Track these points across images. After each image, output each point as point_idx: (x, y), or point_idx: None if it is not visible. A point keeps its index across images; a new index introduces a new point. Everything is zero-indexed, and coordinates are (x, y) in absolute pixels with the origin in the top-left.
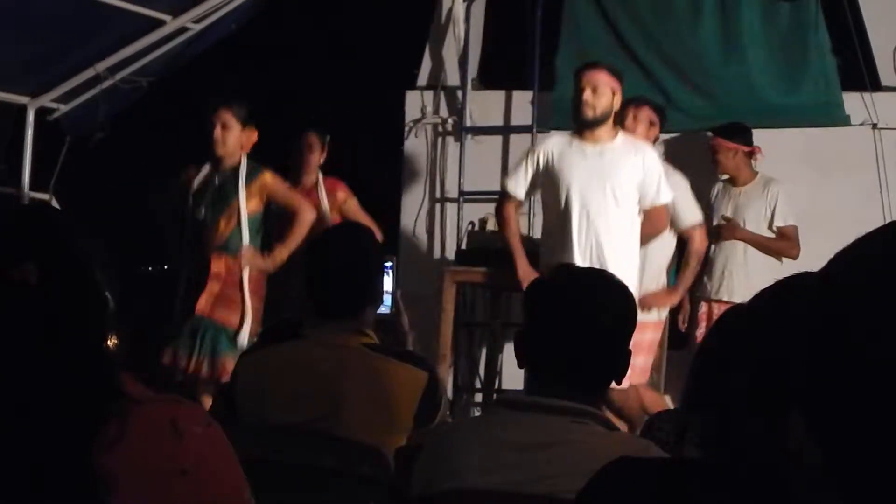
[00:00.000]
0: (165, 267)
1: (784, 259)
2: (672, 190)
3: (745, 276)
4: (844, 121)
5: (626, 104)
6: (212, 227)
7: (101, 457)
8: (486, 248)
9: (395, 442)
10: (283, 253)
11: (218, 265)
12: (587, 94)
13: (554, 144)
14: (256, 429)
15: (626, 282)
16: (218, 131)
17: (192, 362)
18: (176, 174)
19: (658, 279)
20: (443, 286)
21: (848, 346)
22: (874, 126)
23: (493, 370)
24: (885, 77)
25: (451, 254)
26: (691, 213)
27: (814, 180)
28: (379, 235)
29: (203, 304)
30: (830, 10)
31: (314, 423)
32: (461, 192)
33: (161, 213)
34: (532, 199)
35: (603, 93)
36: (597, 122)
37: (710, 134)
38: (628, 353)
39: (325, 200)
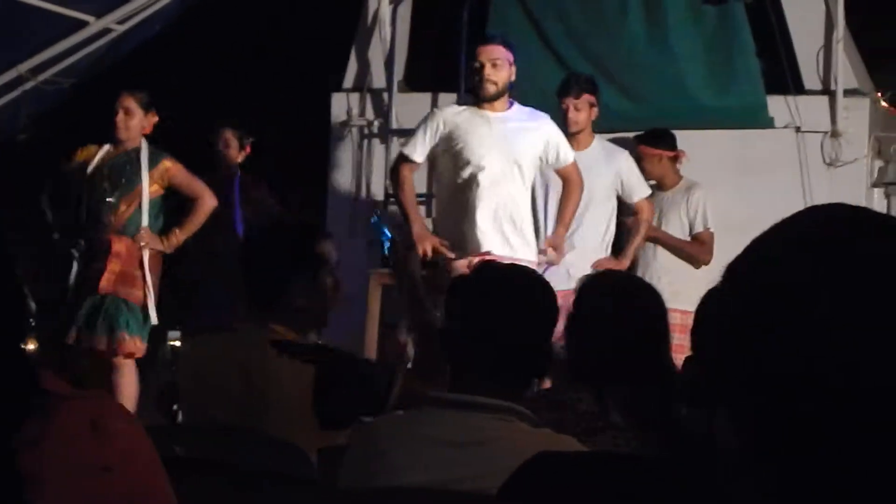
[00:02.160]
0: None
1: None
2: (619, 166)
3: (650, 276)
4: (768, 123)
5: (562, 96)
6: (113, 209)
7: (23, 455)
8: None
9: (312, 439)
10: (180, 236)
11: (118, 245)
12: (488, 70)
13: (455, 112)
14: (174, 426)
15: (531, 245)
16: (121, 116)
17: (93, 339)
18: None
19: (598, 254)
20: (368, 288)
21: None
22: (797, 129)
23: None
24: (809, 80)
25: (376, 256)
26: (639, 188)
27: (737, 182)
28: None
29: (105, 282)
30: (755, 14)
31: (234, 421)
32: (387, 195)
33: (52, 209)
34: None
35: (502, 66)
36: (499, 96)
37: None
38: (551, 349)
39: (238, 197)
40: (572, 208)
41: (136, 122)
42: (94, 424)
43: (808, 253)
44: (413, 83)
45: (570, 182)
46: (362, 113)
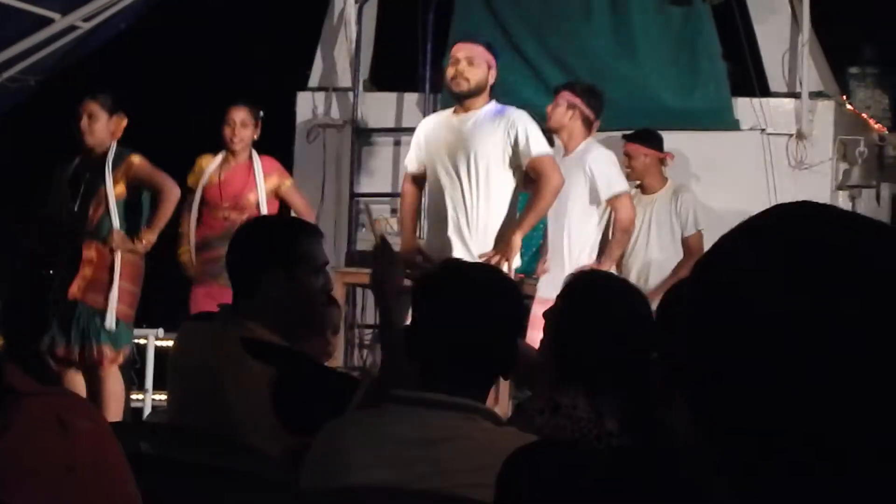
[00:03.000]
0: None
1: None
2: (593, 162)
3: (639, 273)
4: (734, 125)
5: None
6: (82, 215)
7: None
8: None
9: (275, 441)
10: (151, 234)
11: (89, 251)
12: (462, 66)
13: (431, 120)
14: (141, 422)
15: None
16: (84, 121)
17: (65, 349)
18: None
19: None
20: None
21: (707, 334)
22: (763, 131)
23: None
24: (774, 83)
25: (341, 255)
26: (614, 184)
27: (703, 183)
28: (312, 217)
29: (75, 289)
30: (721, 16)
31: (197, 419)
32: (352, 194)
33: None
34: None
35: (478, 65)
36: (470, 95)
37: (622, 139)
38: (515, 347)
39: (263, 182)
40: (537, 209)
41: (100, 125)
42: (60, 422)
43: (764, 246)
44: (378, 82)
45: (539, 178)
46: (328, 112)
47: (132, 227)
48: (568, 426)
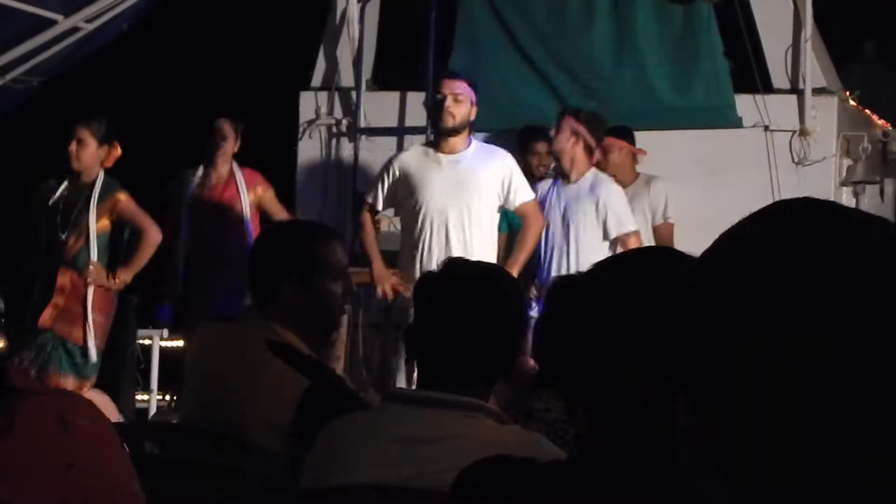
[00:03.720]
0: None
1: None
2: (608, 198)
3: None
4: (736, 122)
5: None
6: (62, 242)
7: None
8: (379, 249)
9: (284, 441)
10: (127, 274)
11: (63, 279)
12: (448, 102)
13: (409, 156)
14: (146, 422)
15: None
16: (73, 147)
17: (21, 367)
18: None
19: None
20: None
21: (729, 332)
22: (766, 128)
23: (387, 372)
24: (777, 79)
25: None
26: (625, 222)
27: (706, 182)
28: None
29: (46, 317)
30: (723, 13)
31: (207, 419)
32: (356, 194)
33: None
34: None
35: (463, 102)
36: (455, 131)
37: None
38: (518, 346)
39: (245, 192)
40: (527, 248)
41: (88, 153)
42: (61, 420)
43: (767, 243)
44: (381, 82)
45: (526, 221)
46: (330, 111)
47: (110, 258)
48: (542, 430)
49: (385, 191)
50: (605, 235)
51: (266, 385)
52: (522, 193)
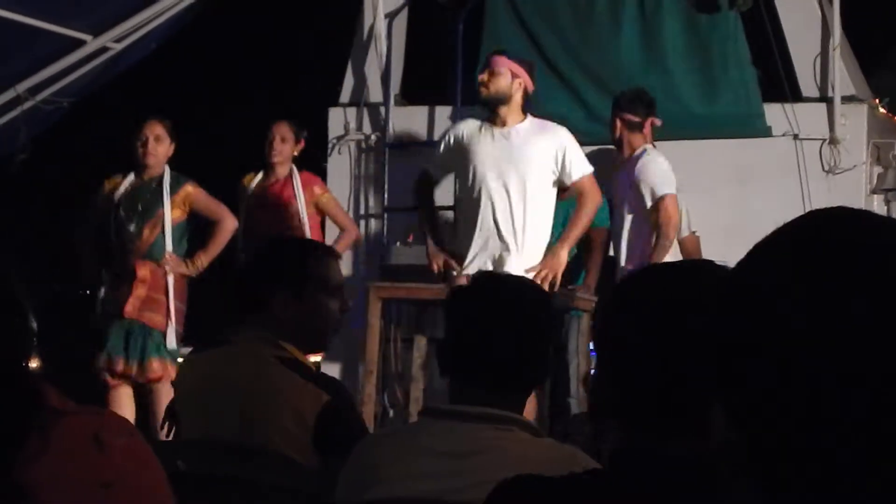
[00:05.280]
0: (81, 291)
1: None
2: (641, 169)
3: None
4: (766, 131)
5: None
6: (136, 235)
7: (23, 470)
8: (410, 263)
9: (308, 456)
10: (204, 260)
11: (143, 270)
12: (483, 76)
13: (464, 127)
14: (179, 441)
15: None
16: (152, 143)
17: (124, 364)
18: (95, 191)
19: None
20: (368, 302)
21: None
22: (795, 137)
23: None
24: (806, 88)
25: (374, 270)
26: (658, 186)
27: (736, 191)
28: (355, 234)
29: (130, 308)
30: (751, 21)
31: (232, 436)
32: (384, 208)
33: (82, 241)
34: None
35: (500, 73)
36: (493, 101)
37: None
38: (549, 358)
39: (301, 194)
40: (581, 223)
41: (163, 148)
42: (96, 439)
43: (801, 252)
44: (409, 97)
45: (582, 196)
46: (359, 127)
47: (187, 248)
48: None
49: (440, 158)
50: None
51: (287, 399)
52: (578, 167)
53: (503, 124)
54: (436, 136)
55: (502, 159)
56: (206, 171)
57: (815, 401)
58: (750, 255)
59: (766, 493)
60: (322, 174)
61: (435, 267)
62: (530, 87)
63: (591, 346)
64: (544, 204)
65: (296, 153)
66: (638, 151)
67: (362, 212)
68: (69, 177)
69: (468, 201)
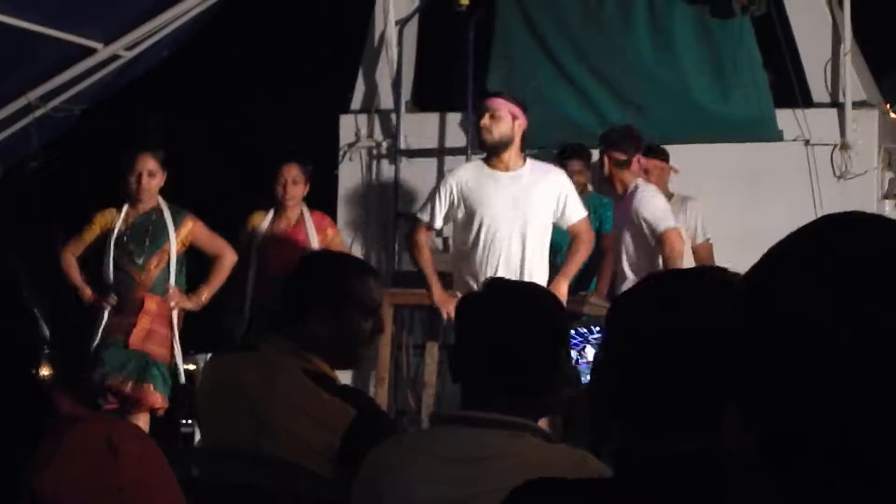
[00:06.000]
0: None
1: None
2: (638, 204)
3: None
4: (777, 136)
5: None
6: (142, 268)
7: (37, 476)
8: (422, 270)
9: (329, 467)
10: (206, 294)
11: (150, 303)
12: (485, 120)
13: (467, 173)
14: (193, 448)
15: None
16: (145, 178)
17: (120, 382)
18: (88, 220)
19: None
20: None
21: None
22: (807, 142)
23: (431, 392)
24: (817, 93)
25: (386, 276)
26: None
27: (747, 196)
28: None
29: (136, 339)
30: (762, 26)
31: (247, 443)
32: (397, 215)
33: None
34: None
35: (501, 118)
36: (497, 146)
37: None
38: (563, 363)
39: (315, 236)
40: (577, 261)
41: (156, 182)
42: (109, 445)
43: (815, 257)
44: (420, 103)
45: (577, 238)
46: (371, 134)
47: (187, 280)
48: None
49: (442, 208)
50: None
51: (313, 412)
52: (576, 212)
53: (506, 168)
54: (448, 143)
55: (510, 205)
56: (214, 177)
57: (843, 402)
58: (766, 261)
59: (783, 493)
60: (334, 181)
61: (445, 314)
62: (525, 127)
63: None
64: (545, 244)
65: (305, 193)
66: (630, 188)
67: (374, 218)
68: (81, 186)
69: (470, 246)
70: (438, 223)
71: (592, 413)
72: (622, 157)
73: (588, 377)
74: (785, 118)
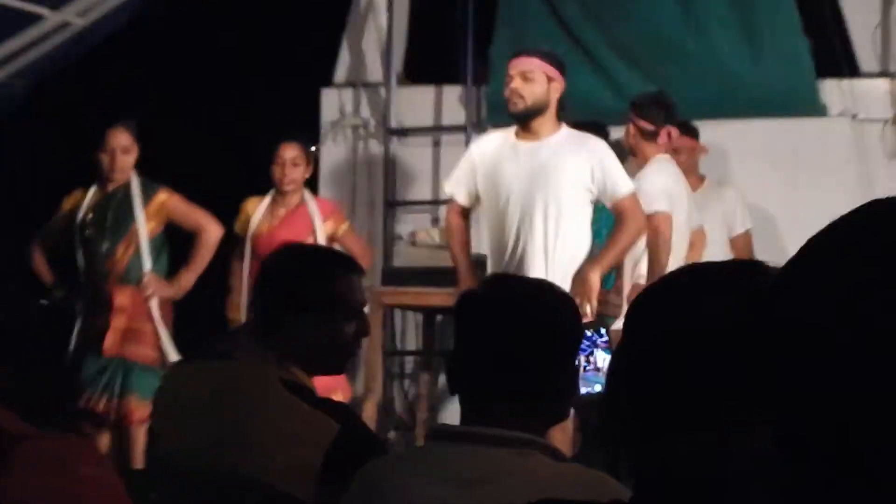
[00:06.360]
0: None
1: None
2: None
3: None
4: (820, 110)
5: None
6: (109, 256)
7: None
8: (416, 265)
9: (307, 486)
10: (189, 277)
11: (121, 298)
12: (516, 83)
13: (487, 143)
14: (152, 470)
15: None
16: (119, 155)
17: (106, 403)
18: (57, 201)
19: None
20: (368, 310)
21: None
22: (854, 117)
23: (428, 405)
24: (865, 62)
25: (376, 273)
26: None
27: (787, 177)
28: (369, 262)
29: (110, 343)
30: None
31: (217, 463)
32: (387, 203)
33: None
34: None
35: (535, 80)
36: (529, 115)
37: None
38: (574, 372)
39: (320, 226)
40: (618, 247)
41: (131, 159)
42: (62, 466)
43: (861, 249)
44: (413, 75)
45: (621, 217)
46: (356, 110)
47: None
48: None
49: (464, 183)
50: None
51: (293, 427)
52: (618, 186)
53: (533, 137)
54: (445, 120)
55: (530, 179)
56: (183, 160)
57: (843, 403)
58: (805, 253)
59: (783, 494)
60: (315, 163)
61: None
62: (562, 90)
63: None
64: (578, 226)
65: (307, 176)
66: (650, 163)
67: (360, 206)
68: (27, 168)
69: (496, 230)
70: (462, 200)
71: (605, 424)
72: (649, 126)
73: (597, 385)
74: (829, 90)
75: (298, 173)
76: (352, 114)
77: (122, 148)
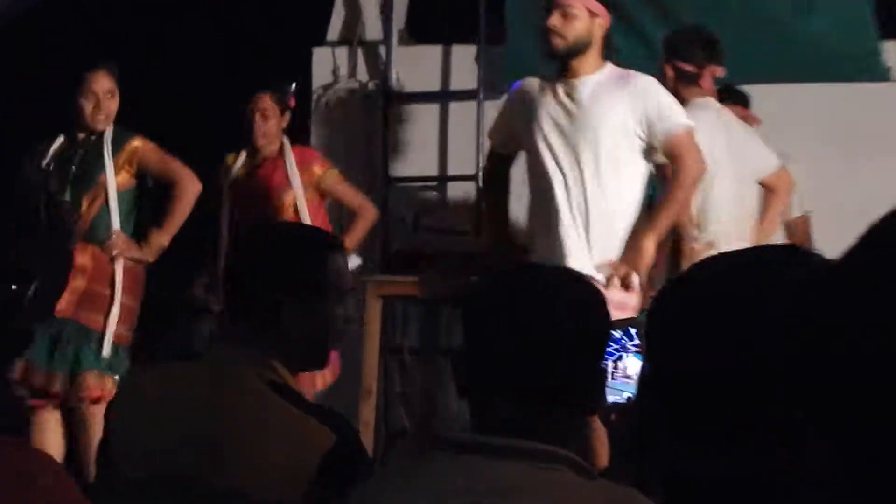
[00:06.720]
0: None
1: None
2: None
3: None
4: (883, 74)
5: None
6: (71, 210)
7: None
8: (420, 251)
9: (295, 494)
10: (162, 238)
11: (83, 257)
12: (554, 19)
13: (529, 85)
14: (114, 481)
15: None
16: (105, 101)
17: (45, 377)
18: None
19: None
20: (364, 301)
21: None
22: None
23: (431, 408)
24: None
25: (374, 259)
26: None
27: (845, 151)
28: (372, 215)
29: (64, 304)
30: None
31: (193, 476)
32: (387, 178)
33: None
34: None
35: (576, 16)
36: (570, 54)
37: None
38: (602, 374)
39: (296, 175)
40: (674, 203)
41: (114, 104)
42: (19, 477)
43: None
44: (418, 33)
45: (675, 161)
46: (353, 72)
47: (137, 222)
48: None
49: (502, 130)
50: None
51: (281, 436)
52: (669, 121)
53: (574, 76)
54: (453, 84)
55: (566, 121)
56: (161, 123)
57: (843, 403)
58: (866, 241)
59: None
60: (305, 132)
61: None
62: (607, 26)
63: None
64: (626, 176)
65: (283, 126)
66: (690, 108)
67: (357, 180)
68: None
69: (535, 184)
70: (499, 146)
71: (634, 435)
72: (689, 68)
73: (626, 393)
74: (893, 52)
75: (272, 126)
76: (347, 76)
77: (106, 91)
